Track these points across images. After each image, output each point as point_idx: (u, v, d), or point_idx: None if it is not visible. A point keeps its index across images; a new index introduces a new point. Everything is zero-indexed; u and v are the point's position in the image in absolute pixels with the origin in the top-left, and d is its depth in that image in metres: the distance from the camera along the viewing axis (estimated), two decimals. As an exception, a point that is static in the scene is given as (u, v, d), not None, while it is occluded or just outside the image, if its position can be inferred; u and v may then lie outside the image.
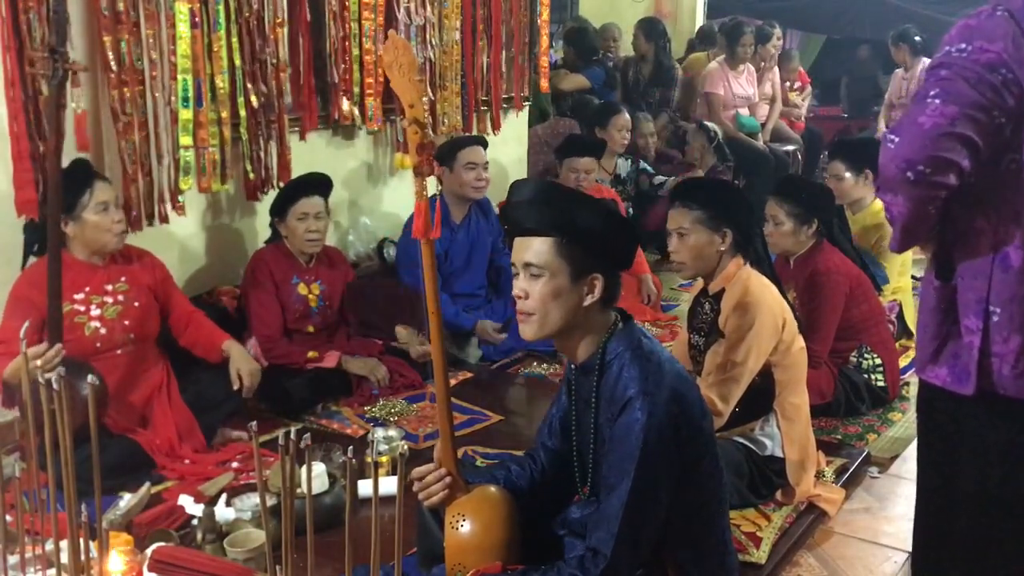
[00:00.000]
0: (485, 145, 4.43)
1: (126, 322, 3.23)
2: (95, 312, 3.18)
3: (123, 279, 3.26)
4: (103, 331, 3.18)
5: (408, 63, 2.09)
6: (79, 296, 3.15)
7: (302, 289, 3.79)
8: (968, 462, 1.94)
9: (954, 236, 1.86)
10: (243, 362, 3.32)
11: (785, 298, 2.97)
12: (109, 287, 3.22)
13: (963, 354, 1.87)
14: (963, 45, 1.70)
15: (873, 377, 3.76)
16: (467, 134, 4.78)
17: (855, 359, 3.76)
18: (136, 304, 3.26)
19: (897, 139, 1.73)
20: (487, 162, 4.39)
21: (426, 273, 2.10)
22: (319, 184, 3.78)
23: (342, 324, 3.95)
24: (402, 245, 4.32)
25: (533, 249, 2.04)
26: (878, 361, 3.77)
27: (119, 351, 3.23)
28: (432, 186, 2.16)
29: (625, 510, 1.95)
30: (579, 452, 2.21)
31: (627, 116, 5.76)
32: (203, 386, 3.35)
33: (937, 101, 1.69)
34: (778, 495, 2.96)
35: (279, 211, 3.74)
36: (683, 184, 3.36)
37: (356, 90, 4.29)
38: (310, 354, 3.72)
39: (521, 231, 2.08)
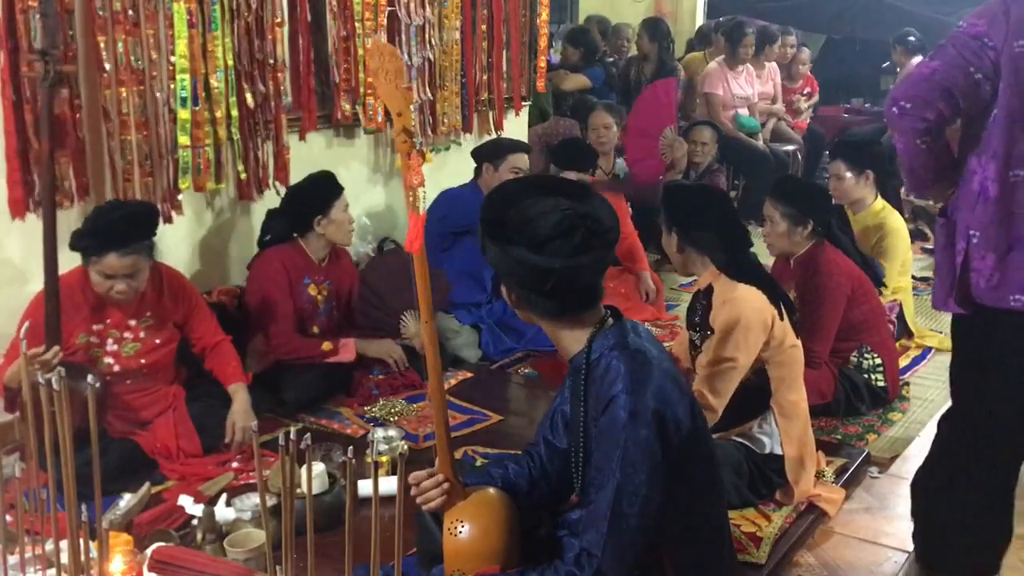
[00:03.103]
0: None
1: (142, 360, 3.16)
2: (111, 347, 3.11)
3: (148, 314, 3.17)
4: (116, 368, 3.12)
5: (395, 69, 1.99)
6: (98, 327, 3.07)
7: (312, 290, 3.79)
8: (986, 376, 2.31)
9: (958, 177, 2.29)
10: (240, 416, 3.20)
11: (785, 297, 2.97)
12: (132, 322, 3.13)
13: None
14: (962, 24, 2.23)
15: (873, 377, 3.76)
16: (510, 138, 4.96)
17: (855, 359, 3.76)
18: (157, 341, 3.18)
19: (894, 87, 2.25)
20: (528, 170, 4.48)
21: (419, 284, 2.07)
22: None
23: (347, 326, 3.93)
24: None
25: None
26: (878, 361, 3.77)
27: (129, 381, 3.17)
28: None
29: (613, 509, 1.92)
30: (573, 450, 2.19)
31: (604, 114, 5.54)
32: (214, 404, 3.27)
33: (928, 60, 2.22)
34: (778, 495, 2.96)
35: (323, 207, 3.68)
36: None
37: (362, 91, 4.29)
38: (324, 346, 3.69)
39: None
